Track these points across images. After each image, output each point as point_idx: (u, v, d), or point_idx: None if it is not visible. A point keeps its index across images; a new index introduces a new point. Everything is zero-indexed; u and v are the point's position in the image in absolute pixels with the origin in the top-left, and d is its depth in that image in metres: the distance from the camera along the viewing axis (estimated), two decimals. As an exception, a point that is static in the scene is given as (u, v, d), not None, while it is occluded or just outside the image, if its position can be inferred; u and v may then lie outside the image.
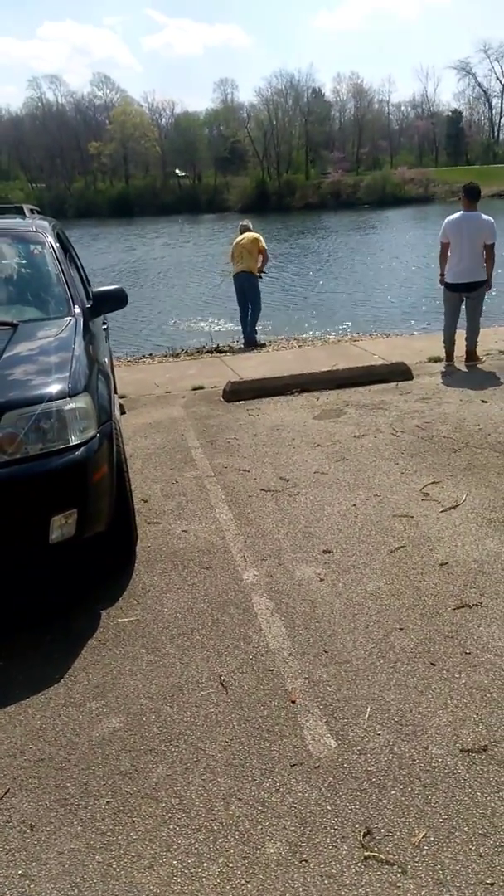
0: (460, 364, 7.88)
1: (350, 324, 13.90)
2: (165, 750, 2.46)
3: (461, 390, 6.93)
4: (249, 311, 10.82)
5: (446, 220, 7.79)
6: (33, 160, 79.81)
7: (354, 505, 4.43)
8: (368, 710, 2.61)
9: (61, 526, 3.00)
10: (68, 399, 3.06)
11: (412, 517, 4.22)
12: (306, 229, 40.98)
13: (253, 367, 8.64)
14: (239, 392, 7.25)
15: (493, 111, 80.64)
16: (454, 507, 4.32)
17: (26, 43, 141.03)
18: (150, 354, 11.00)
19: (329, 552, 3.84)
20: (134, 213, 60.13)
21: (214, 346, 10.85)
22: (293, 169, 70.94)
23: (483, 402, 6.51)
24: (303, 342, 11.59)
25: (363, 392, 7.12)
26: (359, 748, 2.43)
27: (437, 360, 8.09)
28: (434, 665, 2.85)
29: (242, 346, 10.91)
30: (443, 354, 8.02)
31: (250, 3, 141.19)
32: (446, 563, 3.65)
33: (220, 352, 10.45)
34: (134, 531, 3.77)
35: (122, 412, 6.83)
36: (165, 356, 10.59)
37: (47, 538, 2.96)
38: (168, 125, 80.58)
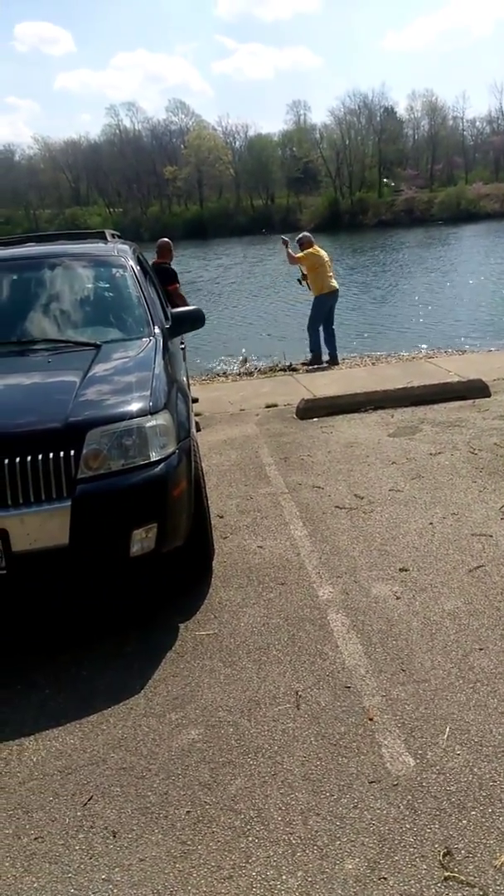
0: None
1: (424, 341, 13.73)
2: (243, 762, 2.48)
3: (543, 408, 6.76)
4: (331, 328, 10.65)
5: None
6: (111, 186, 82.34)
7: (431, 523, 4.38)
8: (447, 729, 2.58)
9: (142, 539, 3.08)
10: (149, 416, 3.16)
11: (491, 536, 4.14)
12: (378, 246, 40.82)
13: (326, 384, 8.65)
14: (312, 409, 7.27)
15: None
16: (535, 526, 4.22)
17: (100, 73, 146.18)
18: (224, 373, 11.15)
19: (405, 570, 3.81)
20: (208, 234, 61.21)
21: (287, 364, 10.90)
22: (366, 187, 70.84)
23: None
24: (376, 360, 11.52)
25: (439, 409, 7.03)
26: (438, 768, 2.40)
27: (516, 377, 7.92)
28: (516, 687, 2.79)
29: (325, 363, 10.69)
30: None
31: (318, 27, 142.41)
32: (527, 583, 3.57)
33: (293, 370, 10.50)
34: (211, 546, 3.84)
35: (198, 429, 6.96)
36: (239, 374, 10.72)
37: (128, 551, 3.05)
38: (242, 148, 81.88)
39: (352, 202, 66.59)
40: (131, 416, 3.12)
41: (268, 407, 7.81)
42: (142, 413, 3.16)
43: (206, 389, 9.43)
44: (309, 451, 6.02)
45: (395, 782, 2.36)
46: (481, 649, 3.05)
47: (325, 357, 10.61)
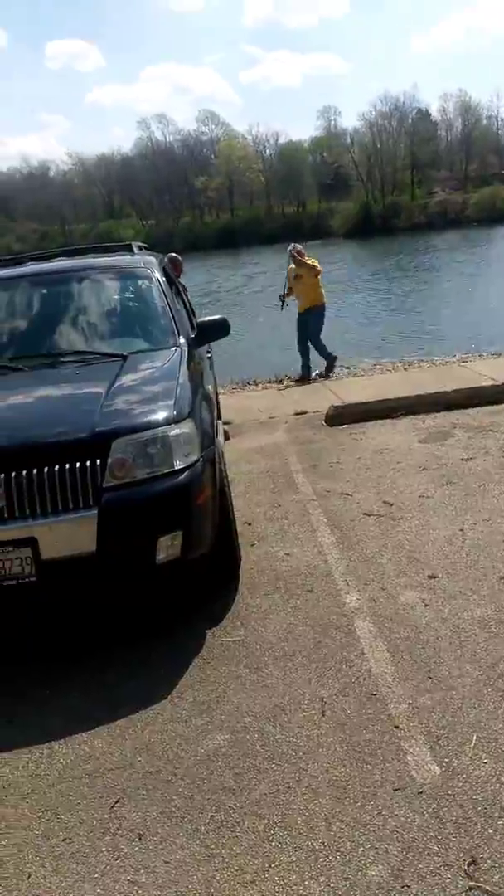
0: None
1: (459, 345, 13.60)
2: (268, 768, 2.50)
3: None
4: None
5: None
6: (143, 198, 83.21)
7: (461, 530, 4.34)
8: (474, 738, 2.56)
9: (167, 547, 3.12)
10: (173, 425, 3.20)
11: (524, 542, 4.10)
12: (411, 250, 40.61)
13: (356, 391, 8.63)
14: (342, 416, 7.26)
15: None
16: None
17: (130, 86, 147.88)
18: (255, 381, 11.17)
19: (434, 577, 3.79)
20: (239, 243, 61.49)
21: (318, 371, 10.87)
22: (398, 190, 70.52)
23: None
24: (409, 365, 11.45)
25: (471, 414, 6.96)
26: (464, 776, 2.39)
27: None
28: (544, 695, 2.76)
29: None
30: None
31: (344, 32, 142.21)
32: None
33: (323, 377, 10.48)
34: (237, 553, 3.86)
35: (227, 438, 6.99)
36: (270, 382, 10.73)
37: (154, 559, 3.09)
38: (272, 155, 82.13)
39: (384, 206, 66.32)
40: (156, 425, 3.17)
41: (297, 414, 7.82)
42: (166, 422, 3.20)
43: (236, 398, 9.48)
44: (338, 458, 6.01)
45: (420, 790, 2.35)
46: (510, 657, 3.02)
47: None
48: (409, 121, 73.58)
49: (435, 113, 77.74)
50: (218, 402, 6.96)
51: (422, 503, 4.83)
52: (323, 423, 7.30)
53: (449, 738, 2.57)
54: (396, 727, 2.65)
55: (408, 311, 19.54)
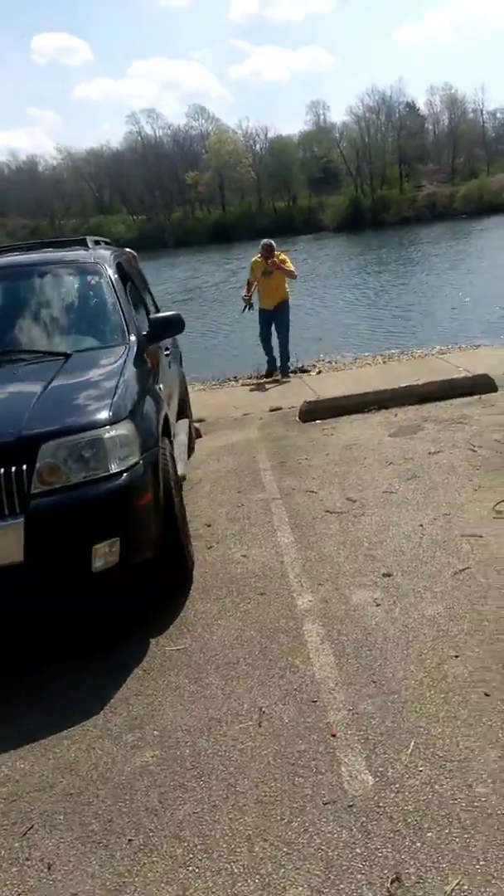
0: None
1: (440, 337, 13.50)
2: (195, 786, 2.39)
3: (551, 402, 6.56)
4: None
5: None
6: (134, 193, 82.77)
7: (421, 525, 4.24)
8: (412, 744, 2.45)
9: (105, 554, 3.01)
10: (108, 427, 3.09)
11: (481, 537, 3.99)
12: (395, 244, 40.47)
13: (334, 385, 8.53)
14: (315, 412, 7.15)
15: None
16: (529, 525, 4.06)
17: (119, 81, 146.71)
18: (235, 377, 11.07)
19: (389, 576, 3.68)
20: (231, 238, 61.16)
21: (300, 366, 10.76)
22: (387, 184, 70.32)
23: None
24: (389, 357, 11.36)
25: (444, 407, 6.87)
26: (397, 786, 2.28)
27: (526, 370, 7.70)
28: (488, 696, 2.65)
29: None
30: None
31: (331, 26, 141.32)
32: (514, 587, 3.42)
33: (304, 371, 10.37)
34: (187, 557, 3.75)
35: (199, 436, 6.89)
36: (249, 378, 10.62)
37: (90, 566, 2.98)
38: (262, 150, 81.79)
39: (373, 200, 66.14)
40: (89, 426, 3.06)
41: (272, 410, 7.72)
42: (100, 424, 3.08)
43: (214, 394, 9.38)
44: (307, 455, 5.91)
45: (351, 803, 2.24)
46: (457, 656, 2.92)
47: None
48: (397, 115, 73.39)
49: (422, 106, 77.60)
50: (188, 400, 6.88)
51: (385, 499, 4.73)
52: (297, 419, 7.19)
53: (386, 745, 2.47)
54: (333, 736, 2.55)
55: (384, 305, 19.42)
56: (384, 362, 10.72)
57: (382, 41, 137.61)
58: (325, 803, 2.25)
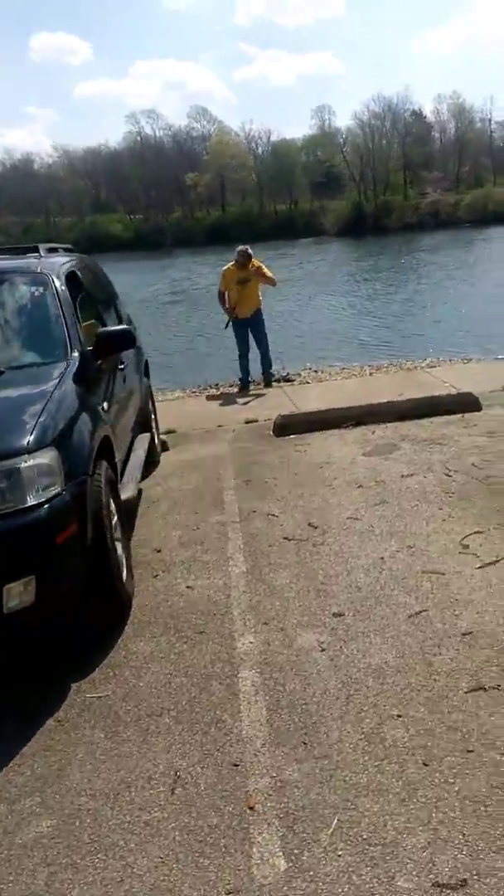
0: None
1: (432, 348, 13.25)
2: (89, 865, 2.14)
3: (533, 423, 6.32)
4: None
5: None
6: (131, 192, 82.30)
7: (382, 558, 3.99)
8: (335, 821, 2.21)
9: (19, 594, 2.77)
10: (27, 455, 2.84)
11: (443, 574, 3.75)
12: (398, 250, 40.24)
13: (314, 397, 8.30)
14: (289, 426, 6.91)
15: None
16: (494, 563, 3.81)
17: (120, 81, 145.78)
18: (217, 384, 10.83)
19: (340, 615, 3.43)
20: (231, 239, 60.71)
21: (284, 374, 10.50)
22: (391, 190, 70.13)
23: None
24: (377, 368, 11.13)
25: (424, 425, 6.62)
26: (311, 873, 2.04)
27: (514, 387, 7.46)
28: (427, 766, 2.40)
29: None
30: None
31: (341, 32, 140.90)
32: (469, 633, 3.17)
33: (288, 380, 10.13)
34: (121, 594, 3.47)
35: (165, 449, 6.65)
36: (231, 386, 10.38)
37: (1, 607, 2.73)
38: (265, 153, 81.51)
39: (376, 205, 65.93)
40: (5, 455, 2.81)
41: (247, 422, 7.47)
42: (18, 452, 2.84)
43: (190, 403, 9.14)
44: (275, 473, 5.66)
45: (257, 893, 2.00)
46: (399, 716, 2.67)
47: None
48: (403, 122, 73.22)
49: (429, 114, 77.47)
50: (153, 412, 6.63)
51: (349, 526, 4.48)
52: (271, 432, 6.95)
53: (307, 821, 2.22)
54: (251, 808, 2.30)
55: (378, 314, 19.19)
56: (371, 374, 10.49)
57: (392, 49, 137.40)
58: (228, 893, 2.01)
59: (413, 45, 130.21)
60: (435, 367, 10.58)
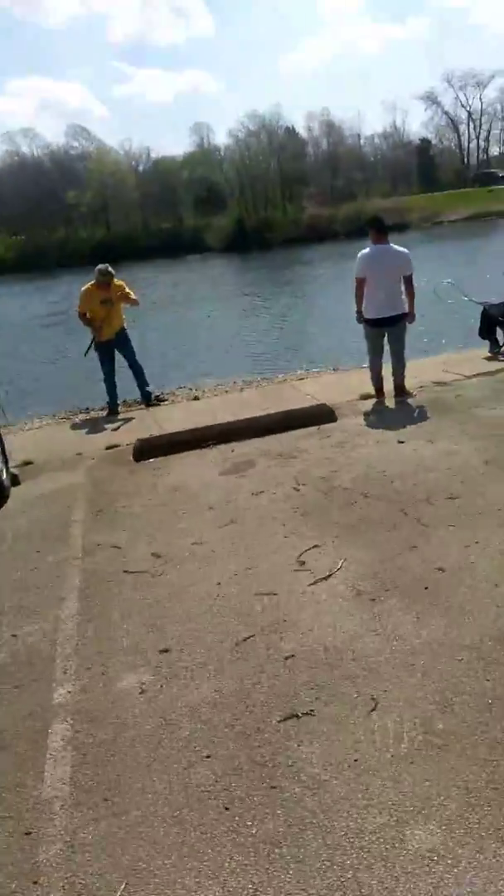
0: (391, 400, 7.39)
1: (307, 359, 13.44)
2: None
3: (380, 431, 6.43)
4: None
5: (360, 255, 7.38)
6: (12, 213, 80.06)
7: (219, 583, 3.91)
8: (122, 887, 2.07)
9: None
10: None
11: (276, 595, 3.70)
12: (279, 265, 40.90)
13: (180, 418, 8.17)
14: (148, 450, 6.78)
15: (462, 138, 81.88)
16: (326, 578, 3.80)
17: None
18: (87, 409, 10.55)
19: (167, 651, 3.31)
20: (116, 258, 59.95)
21: (157, 394, 10.31)
22: (271, 206, 71.49)
23: (399, 442, 6.01)
24: (248, 384, 11.15)
25: (283, 439, 6.63)
26: None
27: (368, 396, 7.58)
28: (227, 809, 2.31)
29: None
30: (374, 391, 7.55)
31: (213, 51, 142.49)
32: (292, 656, 3.12)
33: (161, 401, 9.96)
34: None
35: (16, 483, 6.36)
36: (102, 409, 10.11)
37: None
38: (146, 171, 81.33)
39: (258, 221, 66.95)
40: None
41: (108, 448, 7.25)
42: None
43: (52, 431, 8.80)
44: (128, 501, 5.50)
45: None
46: (209, 757, 2.57)
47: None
48: (277, 138, 74.85)
49: (302, 130, 79.50)
50: (2, 445, 6.35)
51: (192, 552, 4.38)
52: (131, 458, 6.78)
53: (92, 890, 2.07)
54: (35, 882, 2.13)
55: (260, 328, 19.37)
56: (241, 390, 10.49)
57: (263, 67, 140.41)
58: None
59: (281, 64, 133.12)
60: (304, 378, 10.70)
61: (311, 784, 2.36)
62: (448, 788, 2.30)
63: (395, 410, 7.10)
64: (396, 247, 7.28)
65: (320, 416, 7.10)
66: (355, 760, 2.45)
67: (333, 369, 11.37)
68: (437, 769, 2.38)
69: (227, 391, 10.66)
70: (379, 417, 6.92)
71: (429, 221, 60.09)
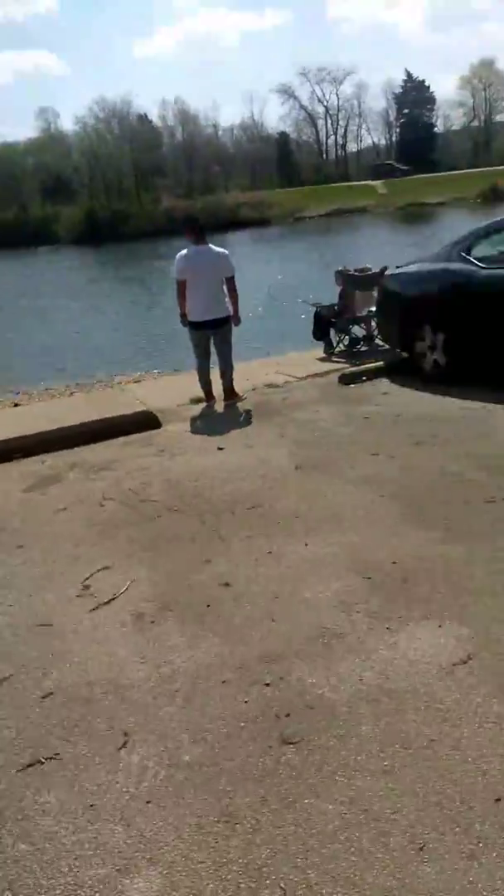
0: (220, 404, 7.36)
1: (143, 362, 13.22)
2: None
3: (203, 437, 6.42)
4: None
5: (178, 257, 7.24)
6: None
7: (-8, 618, 3.70)
8: None
9: None
10: None
11: (51, 626, 3.54)
12: (131, 259, 40.38)
13: (-3, 428, 7.77)
14: None
15: (319, 132, 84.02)
16: (109, 602, 3.70)
17: None
18: None
19: None
20: None
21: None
22: (124, 197, 70.26)
23: (219, 448, 6.00)
24: (82, 387, 10.86)
25: (100, 449, 6.46)
26: None
27: (199, 400, 7.52)
28: None
29: None
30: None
31: (58, 31, 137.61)
32: (50, 694, 2.99)
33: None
34: None
35: None
36: None
37: None
38: (-17, 156, 77.38)
39: (111, 213, 65.65)
40: None
41: None
42: None
43: None
44: None
45: None
46: None
47: None
48: (129, 127, 73.70)
49: (156, 119, 78.72)
50: None
51: (-31, 584, 4.13)
52: None
53: None
54: None
55: (95, 327, 18.97)
56: (71, 394, 10.18)
57: (114, 52, 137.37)
58: None
59: (135, 49, 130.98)
60: (141, 381, 10.55)
61: (39, 839, 2.25)
62: (179, 827, 2.27)
63: (221, 415, 7.10)
64: (216, 248, 7.23)
65: (143, 422, 6.96)
66: (91, 806, 2.37)
67: (174, 370, 11.19)
68: (172, 806, 2.34)
69: (55, 396, 10.31)
70: (204, 423, 6.90)
71: (290, 217, 61.25)
